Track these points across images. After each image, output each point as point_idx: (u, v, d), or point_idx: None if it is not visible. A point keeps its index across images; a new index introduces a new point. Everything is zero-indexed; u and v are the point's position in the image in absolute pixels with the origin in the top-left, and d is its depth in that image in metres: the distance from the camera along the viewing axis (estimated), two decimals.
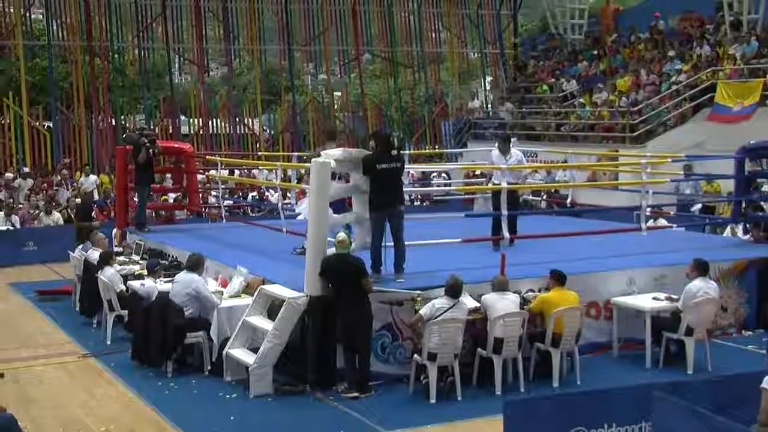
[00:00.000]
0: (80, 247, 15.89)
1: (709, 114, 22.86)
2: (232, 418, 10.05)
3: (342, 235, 11.02)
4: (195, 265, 12.10)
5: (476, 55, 37.80)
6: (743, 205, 15.59)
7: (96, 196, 23.80)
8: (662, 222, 16.55)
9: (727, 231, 16.79)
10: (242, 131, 33.41)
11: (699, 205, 19.24)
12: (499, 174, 14.06)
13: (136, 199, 17.55)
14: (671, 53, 26.51)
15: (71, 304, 15.78)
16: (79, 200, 21.80)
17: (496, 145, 14.91)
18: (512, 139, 15.26)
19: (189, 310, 11.69)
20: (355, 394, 10.54)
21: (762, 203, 16.67)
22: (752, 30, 25.01)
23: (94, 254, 14.54)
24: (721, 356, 11.62)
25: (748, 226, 15.58)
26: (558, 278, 11.25)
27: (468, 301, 10.89)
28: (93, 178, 24.97)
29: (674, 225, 16.22)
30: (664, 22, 29.06)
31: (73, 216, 21.15)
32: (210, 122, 32.68)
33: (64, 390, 11.22)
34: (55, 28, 31.12)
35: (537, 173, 22.00)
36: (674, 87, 24.51)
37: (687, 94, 23.99)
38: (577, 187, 18.29)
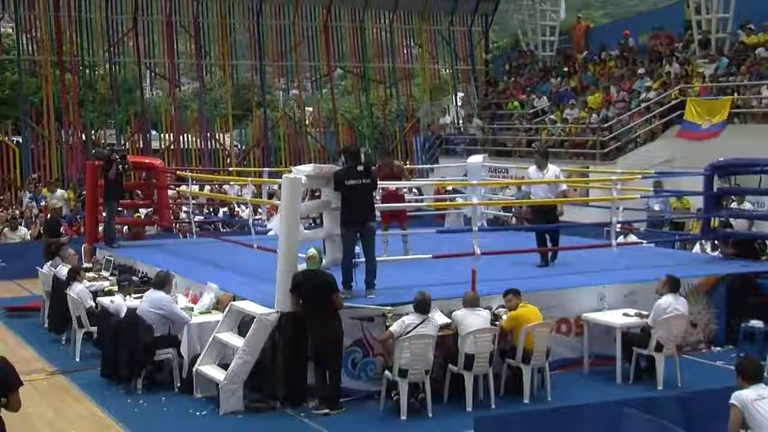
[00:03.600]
0: (49, 263, 15.74)
1: (678, 131, 23.04)
2: None
3: (312, 250, 10.99)
4: (162, 282, 12.02)
5: (448, 71, 37.91)
6: (712, 221, 15.71)
7: (66, 212, 23.59)
8: (632, 238, 16.64)
9: (696, 247, 16.91)
10: (213, 146, 33.33)
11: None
12: (537, 188, 14.76)
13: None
14: (641, 71, 26.70)
15: (40, 321, 15.61)
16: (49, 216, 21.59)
17: (534, 160, 15.39)
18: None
19: (158, 328, 11.60)
20: (326, 411, 10.49)
21: (730, 220, 16.79)
22: (720, 48, 25.27)
23: (63, 270, 14.40)
24: (690, 372, 11.68)
25: (717, 242, 15.71)
26: (518, 293, 11.29)
27: (438, 317, 10.89)
28: (60, 192, 24.68)
29: (644, 241, 16.29)
30: (633, 39, 29.30)
31: (41, 232, 20.95)
32: (181, 137, 32.56)
33: (32, 408, 11.02)
34: (24, 42, 30.87)
35: (508, 189, 22.06)
36: (644, 104, 24.69)
37: (656, 111, 24.18)
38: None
